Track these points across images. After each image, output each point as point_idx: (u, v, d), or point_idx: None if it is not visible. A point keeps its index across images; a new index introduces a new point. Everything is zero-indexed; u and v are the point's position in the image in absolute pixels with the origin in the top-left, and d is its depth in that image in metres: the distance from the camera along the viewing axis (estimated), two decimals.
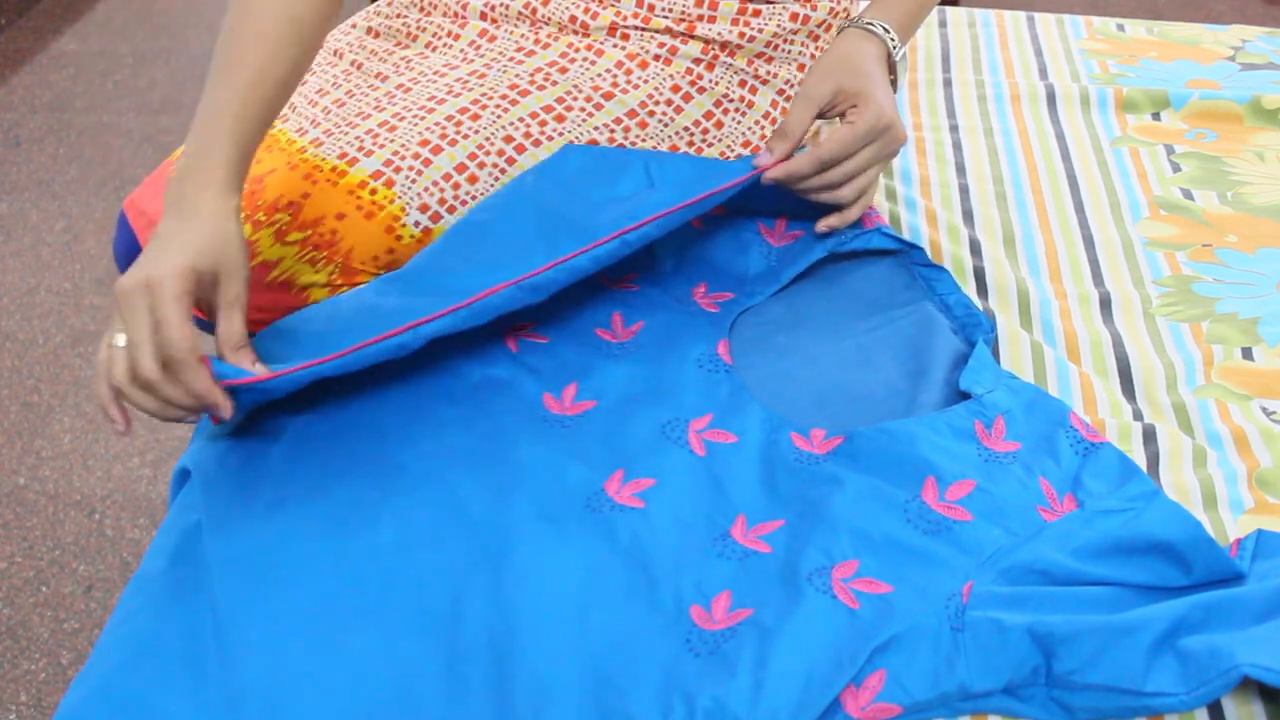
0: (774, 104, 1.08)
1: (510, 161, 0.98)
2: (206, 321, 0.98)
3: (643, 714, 0.65)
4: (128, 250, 1.05)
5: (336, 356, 0.78)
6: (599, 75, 1.02)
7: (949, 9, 1.47)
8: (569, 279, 0.85)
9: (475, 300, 0.81)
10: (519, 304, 0.84)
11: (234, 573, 0.71)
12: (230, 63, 0.84)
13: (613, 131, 1.01)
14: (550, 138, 0.99)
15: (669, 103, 1.03)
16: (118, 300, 0.76)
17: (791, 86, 1.09)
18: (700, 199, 0.90)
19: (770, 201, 0.99)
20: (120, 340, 0.76)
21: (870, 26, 0.98)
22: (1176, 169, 1.17)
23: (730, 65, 1.05)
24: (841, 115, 0.95)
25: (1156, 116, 1.25)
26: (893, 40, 0.98)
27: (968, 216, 1.10)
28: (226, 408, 0.76)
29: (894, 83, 0.99)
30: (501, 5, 1.05)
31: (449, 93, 0.99)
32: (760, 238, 0.99)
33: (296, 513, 0.75)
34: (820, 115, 0.96)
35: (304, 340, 0.84)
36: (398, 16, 1.10)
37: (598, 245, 0.86)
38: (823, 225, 0.97)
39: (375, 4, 1.13)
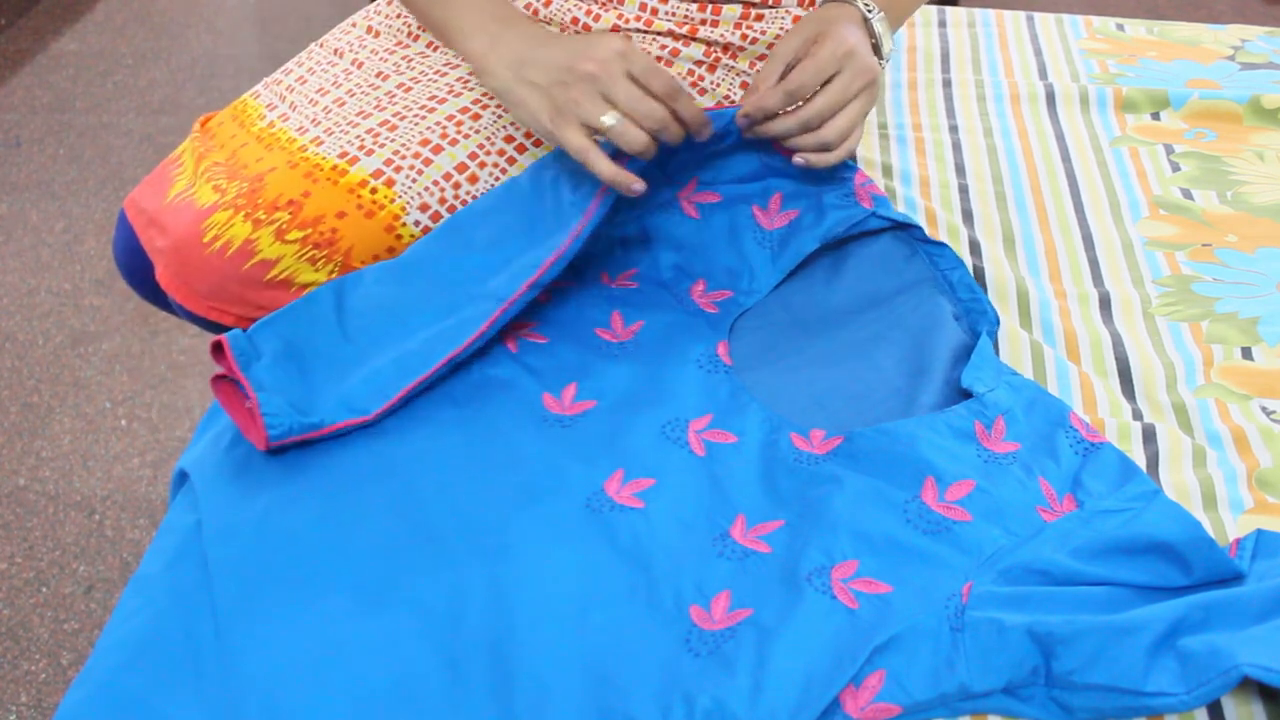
0: None
1: (511, 161, 0.98)
2: (204, 319, 0.98)
3: (642, 714, 0.65)
4: (128, 250, 1.05)
5: (381, 410, 0.81)
6: None
7: (949, 9, 1.47)
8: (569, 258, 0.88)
9: (496, 316, 0.86)
10: (529, 296, 0.88)
11: (234, 573, 0.71)
12: None
13: None
14: None
15: None
16: (584, 87, 0.86)
17: None
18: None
19: (764, 171, 0.98)
20: (610, 119, 0.85)
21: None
22: (1176, 169, 1.17)
23: (732, 68, 1.05)
24: None
25: (1156, 116, 1.25)
26: (869, 7, 0.97)
27: (967, 217, 1.10)
28: (710, 125, 0.90)
29: (879, 50, 0.98)
30: None
31: (449, 92, 0.99)
32: (755, 223, 0.98)
33: (296, 514, 0.75)
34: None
35: (319, 347, 0.84)
36: (398, 16, 1.10)
37: (591, 213, 0.88)
38: (799, 159, 0.94)
39: (375, 3, 1.13)
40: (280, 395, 0.79)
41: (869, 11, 0.98)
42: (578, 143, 0.86)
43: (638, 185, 0.87)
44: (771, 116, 0.92)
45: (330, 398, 0.81)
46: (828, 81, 0.92)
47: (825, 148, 0.93)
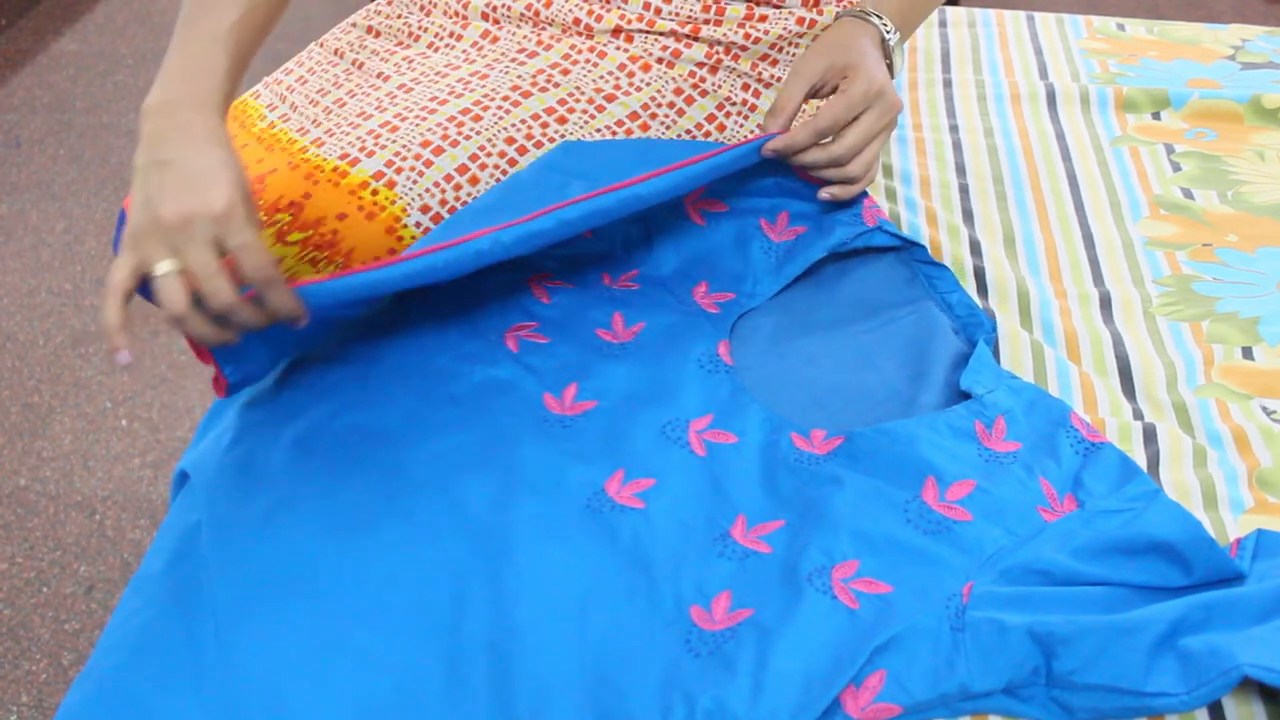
0: None
1: (512, 163, 0.98)
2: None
3: (642, 714, 0.65)
4: None
5: (425, 252, 0.78)
6: (601, 77, 1.02)
7: (949, 9, 1.47)
8: (583, 226, 0.86)
9: (471, 238, 0.82)
10: (549, 239, 0.85)
11: (234, 573, 0.71)
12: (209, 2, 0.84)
13: (614, 134, 1.01)
14: (552, 139, 0.99)
15: (671, 105, 1.03)
16: (159, 231, 0.73)
17: None
18: (706, 157, 0.91)
19: (775, 190, 0.99)
20: (163, 268, 0.73)
21: (864, 15, 0.99)
22: (1177, 168, 1.17)
23: (733, 69, 1.05)
24: (834, 90, 0.95)
25: (1156, 116, 1.25)
26: (886, 28, 0.98)
27: (968, 216, 1.10)
28: (306, 315, 0.76)
29: (891, 68, 0.99)
30: (504, 6, 1.05)
31: (451, 93, 0.99)
32: (761, 233, 0.99)
33: (297, 514, 0.75)
34: (814, 94, 0.96)
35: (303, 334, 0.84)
36: (398, 17, 1.10)
37: (606, 191, 0.86)
38: (825, 193, 0.97)
39: (375, 3, 1.13)
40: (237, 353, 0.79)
41: (887, 32, 0.99)
42: (114, 278, 0.74)
43: (121, 357, 0.73)
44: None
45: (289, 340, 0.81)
46: (856, 117, 0.94)
47: (850, 181, 0.96)
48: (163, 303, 0.74)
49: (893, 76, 0.99)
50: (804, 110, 0.96)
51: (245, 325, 0.75)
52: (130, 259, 0.74)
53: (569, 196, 0.90)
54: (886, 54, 0.99)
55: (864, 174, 0.96)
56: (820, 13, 1.06)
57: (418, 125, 0.97)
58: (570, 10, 1.02)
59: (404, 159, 0.95)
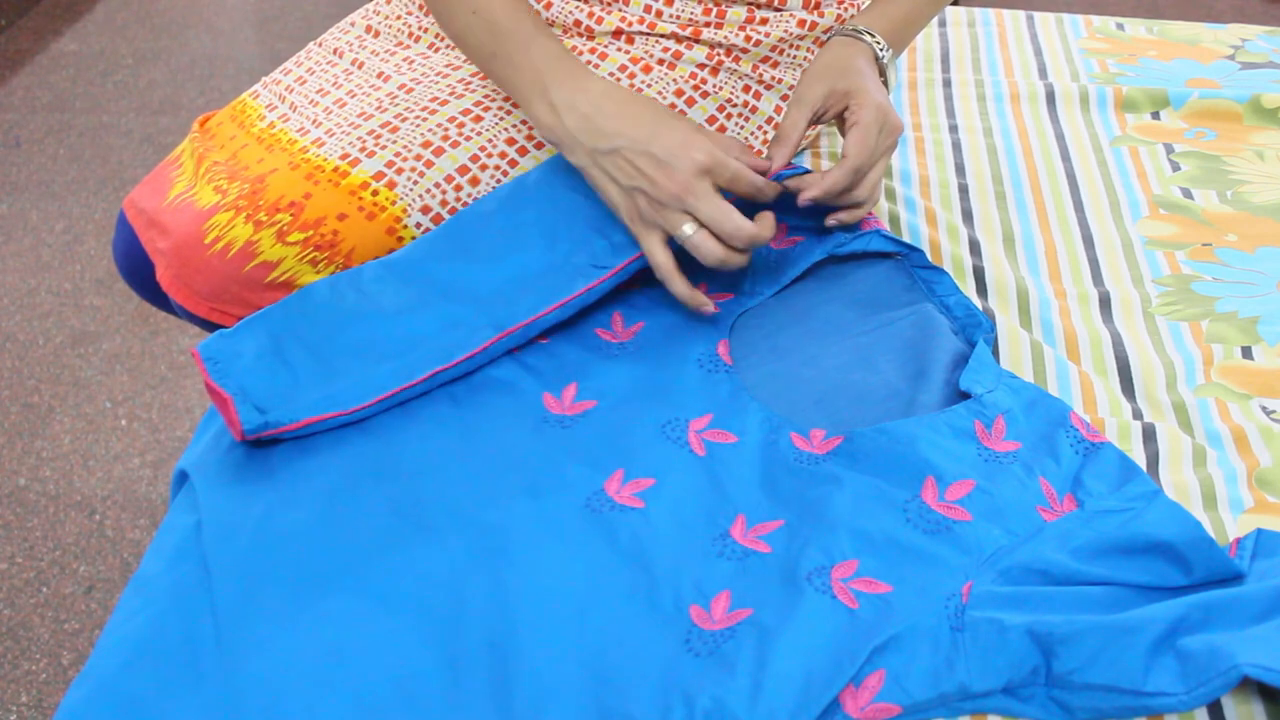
0: (778, 109, 1.08)
1: (512, 164, 0.98)
2: (205, 320, 0.98)
3: (642, 714, 0.65)
4: (127, 250, 1.05)
5: (362, 407, 0.82)
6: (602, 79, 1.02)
7: (949, 8, 1.47)
8: (577, 309, 0.89)
9: (492, 343, 0.86)
10: (533, 333, 0.88)
11: (234, 574, 0.72)
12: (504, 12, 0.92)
13: None
14: None
15: (672, 107, 1.03)
16: (663, 205, 0.84)
17: None
18: None
19: (773, 210, 0.99)
20: (690, 229, 0.85)
21: (857, 33, 0.99)
22: (1176, 168, 1.17)
23: (734, 70, 1.05)
24: (838, 116, 0.95)
25: (1156, 115, 1.25)
26: (879, 44, 0.98)
27: (967, 216, 1.10)
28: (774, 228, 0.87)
29: (885, 84, 0.99)
30: None
31: (451, 94, 0.99)
32: None
33: (296, 514, 0.75)
34: (816, 119, 0.96)
35: (310, 344, 0.84)
36: (398, 17, 1.10)
37: (605, 279, 0.89)
38: (833, 220, 0.97)
39: (374, 2, 1.13)
40: (255, 396, 0.80)
41: (881, 50, 0.99)
42: (659, 258, 0.87)
43: (708, 308, 0.88)
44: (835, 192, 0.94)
45: (313, 397, 0.81)
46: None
47: (856, 205, 0.96)
48: (705, 258, 0.86)
49: (888, 92, 1.00)
50: (806, 135, 0.96)
51: (753, 246, 0.86)
52: (655, 235, 0.86)
53: (589, 225, 0.91)
54: (881, 71, 0.99)
55: (869, 197, 0.96)
56: (821, 15, 1.06)
57: (418, 126, 0.97)
58: (570, 12, 1.02)
59: (404, 159, 0.95)
